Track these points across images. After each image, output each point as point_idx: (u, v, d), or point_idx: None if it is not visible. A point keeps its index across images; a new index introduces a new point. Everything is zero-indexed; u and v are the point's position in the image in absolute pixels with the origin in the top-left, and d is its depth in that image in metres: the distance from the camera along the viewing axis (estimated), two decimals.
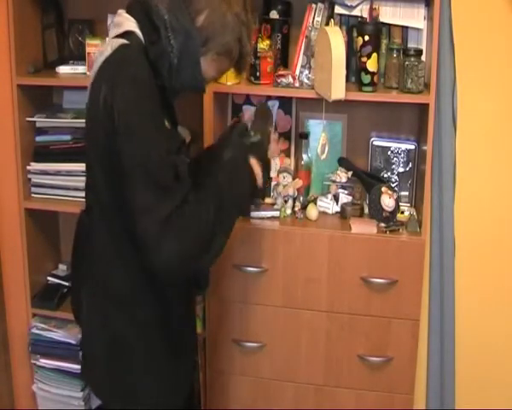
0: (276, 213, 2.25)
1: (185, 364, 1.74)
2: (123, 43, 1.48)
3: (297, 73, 2.21)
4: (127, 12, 1.55)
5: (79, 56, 2.38)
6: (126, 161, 1.41)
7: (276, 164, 2.40)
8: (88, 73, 2.27)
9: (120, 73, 1.44)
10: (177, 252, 1.41)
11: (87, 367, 1.73)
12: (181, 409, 1.72)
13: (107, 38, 1.59)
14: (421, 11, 2.16)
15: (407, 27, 2.20)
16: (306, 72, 2.19)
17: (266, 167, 1.70)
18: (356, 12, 2.17)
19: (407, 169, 2.34)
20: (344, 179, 2.28)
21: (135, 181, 1.41)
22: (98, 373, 1.67)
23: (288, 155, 2.41)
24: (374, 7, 2.11)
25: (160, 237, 1.39)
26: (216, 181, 1.56)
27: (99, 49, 1.59)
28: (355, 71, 2.21)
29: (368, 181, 2.26)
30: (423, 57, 2.13)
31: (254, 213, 2.24)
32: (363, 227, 2.16)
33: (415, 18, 2.17)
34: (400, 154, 2.34)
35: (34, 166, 2.37)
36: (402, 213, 2.24)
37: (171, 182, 1.45)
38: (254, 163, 1.64)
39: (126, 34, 1.50)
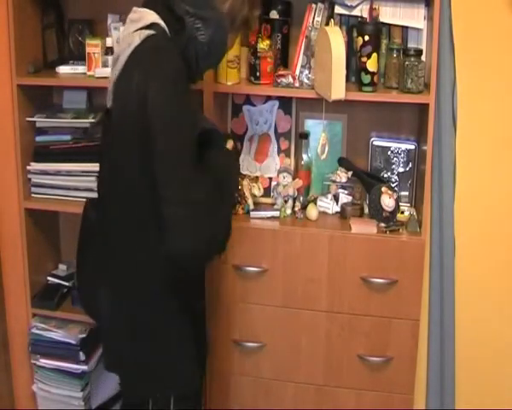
0: (276, 213, 2.25)
1: (203, 346, 1.81)
2: (150, 33, 1.52)
3: (297, 73, 2.21)
4: (144, 6, 1.60)
5: (79, 56, 2.38)
6: (160, 148, 1.46)
7: (276, 164, 2.41)
8: (88, 72, 2.28)
9: (155, 61, 1.49)
10: (202, 239, 1.51)
11: (112, 357, 1.76)
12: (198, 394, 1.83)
13: (125, 33, 1.61)
14: (421, 11, 2.16)
15: (407, 27, 2.20)
16: (306, 72, 2.19)
17: None
18: (356, 12, 2.17)
19: (407, 169, 2.34)
20: (344, 179, 2.28)
21: (168, 168, 1.47)
22: (124, 361, 1.71)
23: (288, 155, 2.41)
24: (374, 7, 2.11)
25: (187, 224, 1.47)
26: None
27: (120, 45, 1.62)
28: (355, 71, 2.21)
29: (368, 181, 2.26)
30: (423, 57, 2.13)
31: (254, 213, 2.24)
32: (363, 227, 2.16)
33: (415, 18, 2.17)
34: (400, 154, 2.34)
35: (34, 166, 2.37)
36: (402, 213, 2.24)
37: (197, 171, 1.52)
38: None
39: (150, 26, 1.54)
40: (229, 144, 1.78)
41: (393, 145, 2.34)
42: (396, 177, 2.36)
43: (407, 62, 2.09)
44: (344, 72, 2.01)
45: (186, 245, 1.48)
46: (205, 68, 1.71)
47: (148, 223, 1.58)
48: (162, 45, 1.53)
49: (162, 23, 1.56)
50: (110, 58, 2.23)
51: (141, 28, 1.55)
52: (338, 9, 2.18)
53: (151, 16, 1.56)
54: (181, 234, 1.47)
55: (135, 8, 1.63)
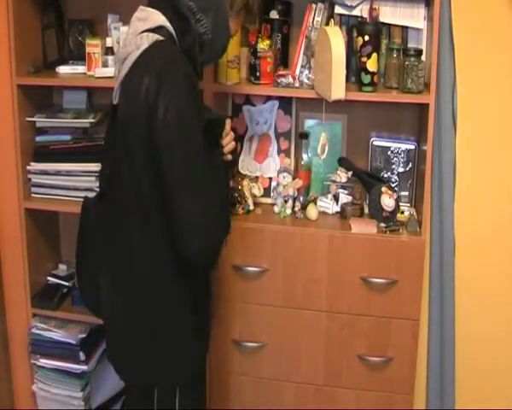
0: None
1: (205, 339, 1.85)
2: (159, 38, 1.55)
3: (297, 73, 2.21)
4: (149, 6, 1.62)
5: (79, 56, 2.38)
6: (173, 155, 1.51)
7: (276, 164, 2.41)
8: (88, 72, 2.27)
9: (167, 68, 1.52)
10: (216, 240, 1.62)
11: (118, 349, 1.77)
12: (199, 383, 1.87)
13: (130, 30, 1.62)
14: (421, 11, 2.16)
15: (407, 27, 2.20)
16: (306, 72, 2.19)
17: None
18: (356, 12, 2.17)
19: (407, 169, 2.34)
20: (344, 179, 2.28)
21: (181, 176, 1.52)
22: (131, 353, 1.72)
23: (288, 155, 2.41)
24: (374, 7, 2.11)
25: (204, 230, 1.56)
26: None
27: (126, 44, 1.62)
28: (355, 71, 2.21)
29: (368, 181, 2.26)
30: (423, 57, 2.13)
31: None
32: (363, 227, 2.16)
33: (415, 18, 2.17)
34: (400, 154, 2.34)
35: (34, 166, 2.37)
36: (402, 213, 2.24)
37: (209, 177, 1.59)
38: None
39: (158, 29, 1.57)
40: (228, 125, 1.78)
41: (393, 145, 2.34)
42: (396, 177, 2.36)
43: (407, 62, 2.09)
44: (344, 72, 2.01)
45: (203, 247, 1.57)
46: (210, 59, 1.72)
47: (153, 222, 1.61)
48: (172, 53, 1.57)
49: (169, 25, 1.58)
50: (110, 58, 2.24)
51: (148, 30, 1.57)
52: (338, 9, 2.18)
53: (158, 17, 1.58)
54: (197, 239, 1.56)
55: (142, 7, 1.64)
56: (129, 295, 1.69)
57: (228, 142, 1.77)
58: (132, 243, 1.64)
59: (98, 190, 1.87)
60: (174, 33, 1.59)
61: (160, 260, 1.64)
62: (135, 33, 1.59)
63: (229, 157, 1.79)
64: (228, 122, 1.79)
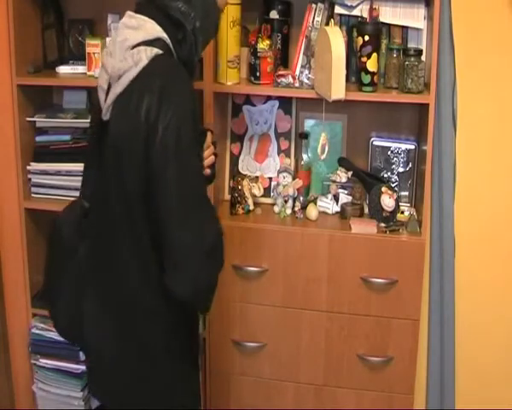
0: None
1: (198, 363, 1.76)
2: (158, 52, 1.46)
3: (297, 73, 2.21)
4: (138, 12, 1.52)
5: (79, 56, 2.38)
6: (167, 177, 1.42)
7: (276, 164, 2.41)
8: (88, 72, 2.27)
9: (169, 87, 1.43)
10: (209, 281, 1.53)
11: (110, 383, 1.66)
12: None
13: (119, 38, 1.50)
14: (421, 11, 2.16)
15: (407, 27, 2.20)
16: (306, 72, 2.19)
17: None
18: (356, 12, 2.17)
19: (407, 169, 2.34)
20: (344, 179, 2.28)
21: (177, 200, 1.43)
22: (127, 387, 1.63)
23: (288, 155, 2.41)
24: (374, 7, 2.11)
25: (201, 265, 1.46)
26: None
27: (113, 55, 1.51)
28: (355, 71, 2.21)
29: (368, 181, 2.26)
30: (423, 57, 2.13)
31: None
32: (363, 227, 2.16)
33: (415, 18, 2.17)
34: (400, 154, 2.34)
35: (34, 166, 2.37)
36: (402, 213, 2.24)
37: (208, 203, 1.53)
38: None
39: (154, 41, 1.48)
40: (209, 137, 1.73)
41: (393, 145, 2.34)
42: (396, 177, 2.36)
43: (407, 62, 2.09)
44: (344, 72, 2.01)
45: (192, 287, 1.48)
46: (204, 45, 1.61)
47: (145, 246, 1.52)
48: (173, 70, 1.49)
49: (166, 36, 1.49)
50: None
51: (144, 42, 1.47)
52: (338, 9, 2.18)
53: (153, 27, 1.49)
54: (189, 276, 1.46)
55: (130, 13, 1.53)
56: (122, 319, 1.59)
57: (207, 155, 1.70)
58: (124, 267, 1.55)
59: (74, 207, 1.72)
60: (171, 45, 1.51)
61: (155, 284, 1.54)
62: (124, 43, 1.48)
63: (208, 171, 1.71)
64: (209, 135, 1.72)
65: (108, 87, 1.51)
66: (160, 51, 1.47)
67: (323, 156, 2.23)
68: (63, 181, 2.36)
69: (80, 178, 2.20)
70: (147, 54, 1.45)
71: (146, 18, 1.50)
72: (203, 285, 1.51)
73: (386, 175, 2.36)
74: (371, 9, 2.11)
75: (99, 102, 1.55)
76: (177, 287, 1.47)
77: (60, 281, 1.71)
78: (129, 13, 1.54)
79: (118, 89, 1.47)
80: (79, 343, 1.75)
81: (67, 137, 2.35)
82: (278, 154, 2.42)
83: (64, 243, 1.67)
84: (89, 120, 2.29)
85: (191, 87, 1.51)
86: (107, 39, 2.25)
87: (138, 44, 1.47)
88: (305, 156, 2.37)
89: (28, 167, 2.37)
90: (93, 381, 1.75)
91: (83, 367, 2.42)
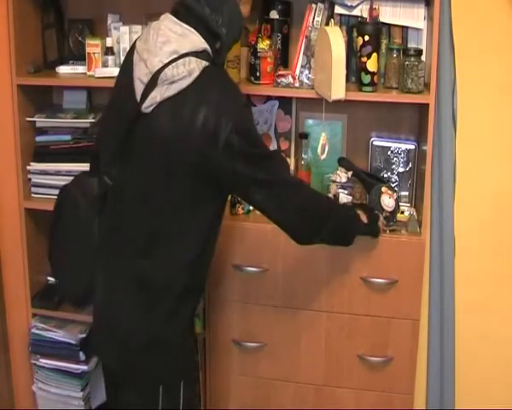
0: None
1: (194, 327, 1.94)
2: (206, 64, 1.59)
3: (297, 73, 2.21)
4: (179, 19, 1.62)
5: (79, 56, 2.38)
6: (244, 174, 1.60)
7: None
8: (88, 72, 2.27)
9: (225, 99, 1.58)
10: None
11: (119, 349, 1.75)
12: None
13: (161, 39, 1.60)
14: (421, 11, 2.16)
15: (407, 27, 2.20)
16: (306, 72, 2.19)
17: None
18: (356, 12, 2.17)
19: (407, 169, 2.34)
20: (344, 179, 2.28)
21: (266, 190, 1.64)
22: (135, 354, 1.73)
23: (288, 155, 2.41)
24: (374, 7, 2.11)
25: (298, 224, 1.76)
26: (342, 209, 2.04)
27: (152, 53, 1.61)
28: (355, 71, 2.21)
29: (368, 181, 2.25)
30: (423, 57, 2.13)
31: None
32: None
33: (415, 18, 2.17)
34: (400, 154, 2.34)
35: (34, 166, 2.37)
36: (402, 213, 2.24)
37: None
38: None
39: (201, 53, 1.60)
40: None
41: (393, 145, 2.34)
42: (396, 177, 2.36)
43: (407, 62, 2.09)
44: (344, 72, 2.01)
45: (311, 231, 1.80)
46: (229, 48, 1.75)
47: (174, 236, 1.66)
48: (226, 82, 1.64)
49: (208, 48, 1.62)
50: (110, 58, 2.24)
51: (192, 52, 1.58)
52: (338, 9, 2.18)
53: (198, 39, 1.61)
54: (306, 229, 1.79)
55: (173, 18, 1.62)
56: (137, 292, 1.70)
57: None
58: (152, 254, 1.68)
59: (90, 181, 1.79)
60: (212, 55, 1.63)
61: (173, 264, 1.68)
62: (168, 46, 1.58)
63: None
64: None
65: (150, 82, 1.58)
66: (208, 63, 1.59)
67: (323, 156, 2.23)
68: (63, 181, 2.32)
69: None
70: (198, 65, 1.57)
71: (191, 28, 1.61)
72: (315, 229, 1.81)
73: (386, 175, 2.36)
74: (371, 9, 2.11)
75: (130, 91, 1.63)
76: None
77: (68, 247, 1.80)
78: (171, 17, 1.63)
79: (169, 92, 1.57)
80: (84, 307, 1.88)
81: (67, 137, 2.34)
82: None
83: (79, 213, 1.75)
84: (89, 120, 2.32)
85: (240, 92, 1.67)
86: (107, 39, 2.25)
87: (186, 53, 1.58)
88: (305, 156, 2.36)
89: (28, 167, 2.37)
90: (104, 349, 1.82)
91: (83, 367, 2.42)
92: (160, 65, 1.57)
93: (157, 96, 1.57)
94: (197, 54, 1.59)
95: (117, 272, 1.72)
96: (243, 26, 1.75)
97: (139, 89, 1.60)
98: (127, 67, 1.68)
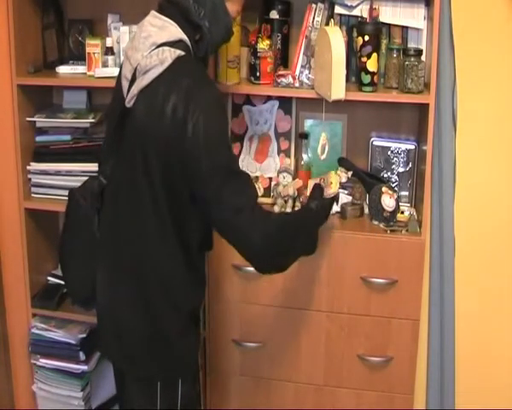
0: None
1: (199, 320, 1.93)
2: (180, 53, 1.60)
3: (297, 73, 2.21)
4: (161, 12, 1.65)
5: (79, 56, 2.38)
6: (206, 167, 1.56)
7: (276, 164, 2.41)
8: (88, 72, 2.27)
9: (195, 87, 1.57)
10: (266, 236, 1.63)
11: (116, 342, 1.77)
12: None
13: (144, 34, 1.63)
14: (421, 11, 2.16)
15: (407, 27, 2.20)
16: (306, 72, 2.19)
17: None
18: (356, 12, 2.17)
19: (407, 169, 2.34)
20: (344, 179, 2.27)
21: (220, 183, 1.57)
22: (137, 352, 1.75)
23: (288, 155, 2.41)
24: (374, 7, 2.11)
25: (252, 225, 1.61)
26: (303, 211, 1.89)
27: (137, 49, 1.64)
28: (355, 71, 2.21)
29: (368, 181, 2.25)
30: (423, 57, 2.13)
31: None
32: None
33: (415, 18, 2.17)
34: (400, 154, 2.34)
35: (34, 166, 2.37)
36: (402, 213, 2.24)
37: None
38: None
39: (177, 42, 1.61)
40: None
41: (393, 145, 2.34)
42: (396, 177, 2.36)
43: (407, 62, 2.09)
44: (344, 72, 2.01)
45: (265, 241, 1.63)
46: (216, 44, 1.75)
47: (168, 231, 1.65)
48: (197, 71, 1.64)
49: (186, 38, 1.63)
50: (110, 58, 2.24)
51: (167, 43, 1.60)
52: (338, 9, 2.18)
53: (175, 30, 1.62)
54: (257, 235, 1.61)
55: (155, 13, 1.66)
56: (137, 287, 1.70)
57: None
58: (146, 249, 1.68)
59: (91, 182, 1.84)
60: (190, 46, 1.64)
61: (172, 256, 1.69)
62: (148, 40, 1.61)
63: None
64: None
65: (132, 78, 1.63)
66: (183, 53, 1.60)
67: (323, 156, 2.23)
68: (63, 181, 2.36)
69: (80, 177, 2.24)
70: (171, 54, 1.58)
71: (170, 20, 1.63)
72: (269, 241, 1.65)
73: (386, 175, 2.36)
74: (371, 9, 2.11)
75: (121, 89, 1.68)
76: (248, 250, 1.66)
77: (74, 248, 1.85)
78: (153, 12, 1.67)
79: (143, 82, 1.59)
80: (92, 307, 1.86)
81: (67, 137, 2.34)
82: (278, 154, 2.42)
83: (81, 214, 1.81)
84: (89, 120, 2.32)
85: (214, 86, 1.68)
86: (107, 39, 2.26)
87: (162, 44, 1.60)
88: (305, 156, 2.36)
89: (28, 167, 2.37)
90: (105, 344, 1.84)
91: (83, 367, 2.42)
92: (141, 59, 1.61)
93: (135, 89, 1.61)
94: (172, 44, 1.61)
95: (116, 270, 1.74)
96: (231, 26, 1.73)
97: (125, 86, 1.65)
98: (120, 69, 1.74)
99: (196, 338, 1.84)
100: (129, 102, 1.63)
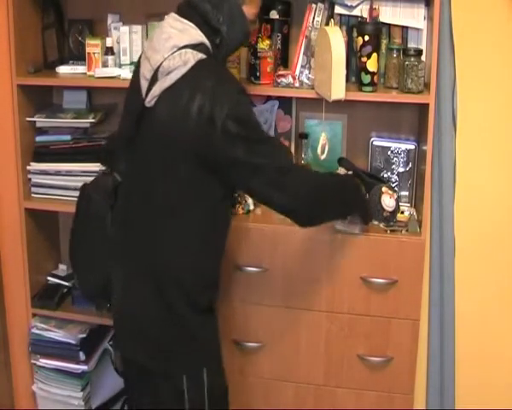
0: None
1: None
2: (202, 57, 1.62)
3: (297, 73, 2.21)
4: (181, 15, 1.67)
5: (79, 56, 2.38)
6: (243, 151, 1.60)
7: None
8: (88, 72, 2.27)
9: (221, 87, 1.60)
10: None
11: (132, 339, 1.78)
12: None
13: (163, 36, 1.65)
14: (421, 11, 2.16)
15: (407, 27, 2.20)
16: (306, 72, 2.19)
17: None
18: (356, 12, 2.17)
19: (407, 169, 2.34)
20: None
21: (262, 155, 1.62)
22: (153, 349, 1.75)
23: None
24: (374, 7, 2.11)
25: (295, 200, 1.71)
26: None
27: (157, 50, 1.66)
28: (355, 71, 2.21)
29: (368, 181, 2.25)
30: (423, 57, 2.13)
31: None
32: (346, 225, 2.15)
33: (415, 18, 2.17)
34: (400, 154, 2.34)
35: (34, 166, 2.37)
36: (402, 213, 2.24)
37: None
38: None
39: (198, 45, 1.64)
40: None
41: (393, 145, 2.34)
42: (396, 177, 2.36)
43: (407, 62, 2.09)
44: (344, 72, 2.01)
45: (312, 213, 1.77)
46: (234, 47, 1.79)
47: (178, 228, 1.68)
48: (221, 72, 1.69)
49: (207, 41, 1.66)
50: (110, 58, 2.24)
51: (188, 45, 1.62)
52: (338, 9, 2.18)
53: (196, 33, 1.65)
54: (304, 190, 1.71)
55: (175, 16, 1.68)
56: (153, 283, 1.71)
57: None
58: (162, 248, 1.69)
59: (104, 179, 1.85)
60: (211, 49, 1.67)
61: (187, 257, 1.71)
62: (169, 42, 1.63)
63: None
64: None
65: (152, 79, 1.64)
66: (204, 56, 1.63)
67: (323, 156, 2.23)
68: (63, 181, 2.36)
69: (80, 177, 2.23)
70: (193, 57, 1.61)
71: (190, 23, 1.66)
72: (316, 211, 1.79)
73: (386, 175, 2.36)
74: (371, 9, 2.11)
75: (138, 89, 1.68)
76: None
77: (84, 243, 1.86)
78: (174, 15, 1.69)
79: (166, 83, 1.61)
80: (105, 303, 1.88)
81: (67, 137, 2.35)
82: None
83: (92, 209, 1.82)
84: (89, 120, 2.32)
85: (237, 81, 1.73)
86: (107, 39, 2.25)
87: (184, 46, 1.62)
88: (305, 156, 2.36)
89: (28, 167, 2.37)
90: (128, 345, 1.82)
91: (83, 367, 2.42)
92: (162, 60, 1.62)
93: (157, 89, 1.62)
94: (194, 46, 1.63)
95: (131, 267, 1.74)
96: (248, 29, 1.76)
97: (144, 85, 1.66)
98: (136, 68, 1.75)
99: (215, 326, 1.84)
100: (149, 102, 1.64)
